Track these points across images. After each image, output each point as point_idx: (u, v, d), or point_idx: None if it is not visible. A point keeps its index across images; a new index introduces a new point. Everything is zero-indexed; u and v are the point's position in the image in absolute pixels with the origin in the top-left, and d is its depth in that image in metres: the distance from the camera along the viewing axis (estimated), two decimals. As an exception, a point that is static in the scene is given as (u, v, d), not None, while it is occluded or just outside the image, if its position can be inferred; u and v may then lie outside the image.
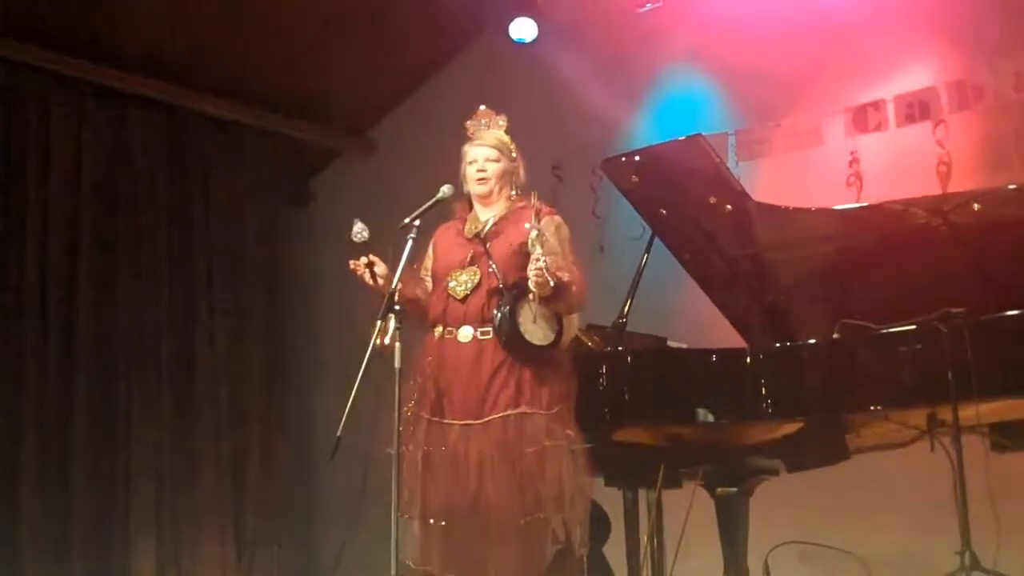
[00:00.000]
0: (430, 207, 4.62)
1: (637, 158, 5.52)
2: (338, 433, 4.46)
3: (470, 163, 4.58)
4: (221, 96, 8.67)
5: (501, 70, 8.19)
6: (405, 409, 4.37)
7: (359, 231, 4.49)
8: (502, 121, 4.64)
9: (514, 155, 4.59)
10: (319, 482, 8.94)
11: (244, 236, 8.90)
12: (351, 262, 4.49)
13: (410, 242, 4.55)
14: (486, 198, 4.57)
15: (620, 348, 5.05)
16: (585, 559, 4.34)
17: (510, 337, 4.31)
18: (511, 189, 4.58)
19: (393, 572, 4.35)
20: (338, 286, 9.07)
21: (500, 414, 4.27)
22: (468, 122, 4.66)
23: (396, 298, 4.39)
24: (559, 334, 4.35)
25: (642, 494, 5.30)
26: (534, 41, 8.03)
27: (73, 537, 7.62)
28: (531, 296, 4.25)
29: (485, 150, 4.56)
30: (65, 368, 7.79)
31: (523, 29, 8.03)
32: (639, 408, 4.88)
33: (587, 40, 7.98)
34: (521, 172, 4.61)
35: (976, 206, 5.05)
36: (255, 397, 8.76)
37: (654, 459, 5.05)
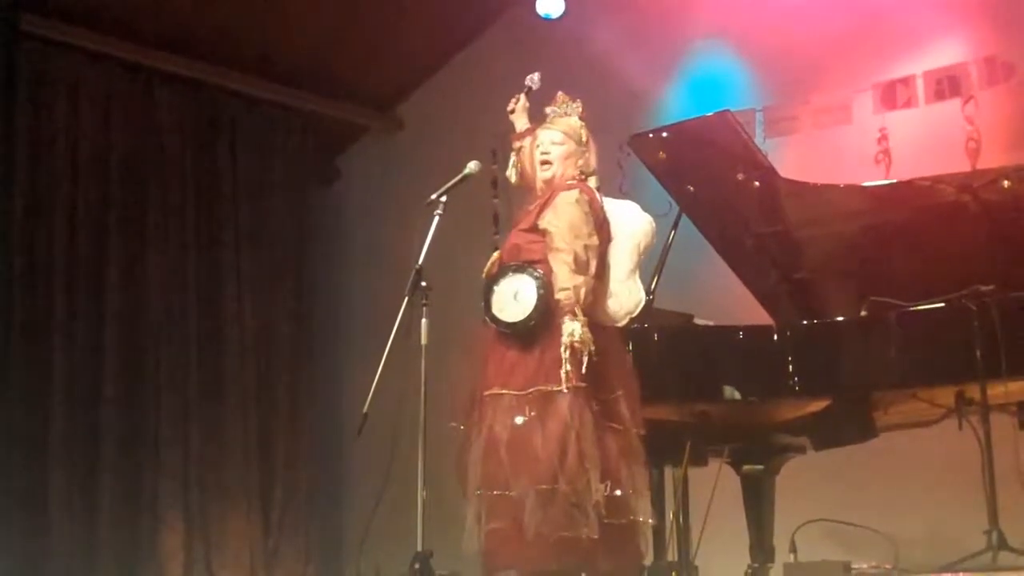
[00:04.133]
0: (456, 184, 4.63)
1: (665, 134, 5.51)
2: (365, 410, 4.48)
3: (537, 146, 4.54)
4: (249, 73, 8.69)
5: (528, 46, 8.16)
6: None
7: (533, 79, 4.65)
8: (576, 106, 4.59)
9: (584, 140, 4.54)
10: (346, 459, 8.96)
11: (271, 213, 8.91)
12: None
13: (436, 218, 4.56)
14: (548, 183, 4.50)
15: (647, 325, 5.04)
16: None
17: (487, 315, 4.32)
18: (575, 171, 4.53)
19: (419, 547, 4.37)
20: (365, 262, 9.14)
21: (490, 392, 4.26)
22: (547, 108, 4.62)
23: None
24: (537, 311, 4.25)
25: (668, 471, 5.30)
26: (561, 17, 8.00)
27: (101, 513, 7.66)
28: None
29: (552, 133, 4.52)
30: (93, 345, 7.83)
31: (550, 5, 7.99)
32: (666, 385, 4.87)
33: (614, 16, 7.95)
34: (592, 158, 4.55)
35: (1006, 183, 5.03)
36: (283, 374, 8.78)
37: (680, 436, 5.04)
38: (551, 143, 4.50)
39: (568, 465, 4.12)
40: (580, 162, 4.51)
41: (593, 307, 4.33)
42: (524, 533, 4.10)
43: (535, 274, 4.28)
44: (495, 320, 4.30)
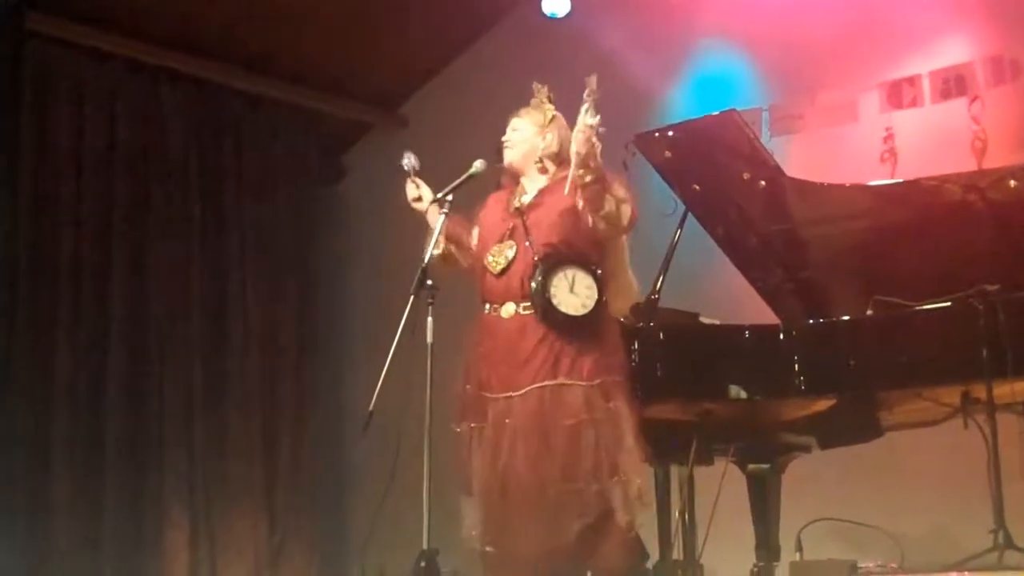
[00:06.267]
0: (462, 182, 4.63)
1: (670, 133, 5.51)
2: (370, 408, 4.48)
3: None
4: (253, 71, 8.68)
5: (533, 45, 8.16)
6: (466, 387, 4.39)
7: (408, 161, 4.69)
8: (543, 90, 4.63)
9: (544, 123, 4.56)
10: (351, 457, 8.97)
11: (276, 211, 8.91)
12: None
13: (442, 217, 4.56)
14: (510, 165, 4.59)
15: (652, 324, 5.04)
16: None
17: (543, 308, 4.31)
18: (536, 158, 4.55)
19: (424, 545, 4.37)
20: (370, 261, 9.14)
21: (537, 385, 4.27)
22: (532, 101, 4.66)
23: (432, 260, 4.51)
24: (598, 303, 4.33)
25: (674, 470, 5.30)
26: (566, 16, 7.99)
27: (105, 511, 7.66)
28: (577, 170, 4.26)
29: (514, 121, 4.60)
30: (98, 345, 7.82)
31: (555, 4, 7.98)
32: (671, 384, 4.87)
33: (620, 15, 7.94)
34: (554, 141, 4.54)
35: (1012, 182, 5.02)
36: (287, 373, 8.77)
37: (686, 435, 5.04)
38: (511, 130, 4.59)
39: (582, 457, 4.21)
40: (542, 145, 4.54)
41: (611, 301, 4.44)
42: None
43: (591, 268, 4.35)
44: (557, 313, 4.29)
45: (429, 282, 4.53)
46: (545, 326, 4.32)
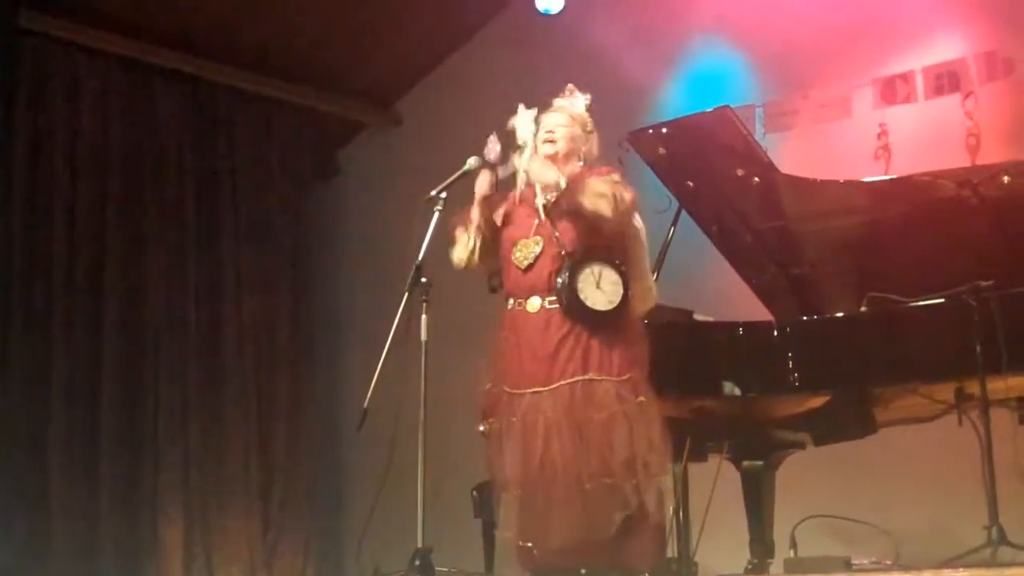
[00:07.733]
0: (456, 179, 4.63)
1: (664, 130, 5.51)
2: (364, 405, 4.49)
3: (541, 128, 4.57)
4: (247, 68, 8.67)
5: (527, 42, 8.16)
6: (488, 384, 4.39)
7: (492, 148, 4.57)
8: (585, 98, 4.62)
9: (589, 129, 4.57)
10: (346, 455, 8.97)
11: (270, 208, 8.91)
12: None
13: (436, 214, 4.56)
14: (552, 158, 4.53)
15: (646, 321, 5.03)
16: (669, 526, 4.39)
17: (570, 304, 4.31)
18: (579, 159, 4.55)
19: (419, 543, 4.37)
20: (364, 258, 9.14)
21: (567, 381, 4.27)
22: (556, 99, 4.64)
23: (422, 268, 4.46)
24: (624, 298, 4.34)
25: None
26: (560, 12, 7.99)
27: (101, 509, 7.66)
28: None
29: (557, 116, 4.56)
30: (93, 341, 7.83)
31: (549, 0, 7.99)
32: (665, 381, 4.83)
33: (614, 11, 7.95)
34: (594, 146, 4.58)
35: (1005, 178, 5.02)
36: (282, 370, 8.77)
37: (680, 432, 5.03)
38: (557, 124, 4.54)
39: (615, 451, 4.23)
40: (584, 149, 4.54)
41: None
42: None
43: (617, 264, 4.36)
44: (584, 309, 4.30)
45: (424, 280, 4.54)
46: (570, 321, 4.33)
